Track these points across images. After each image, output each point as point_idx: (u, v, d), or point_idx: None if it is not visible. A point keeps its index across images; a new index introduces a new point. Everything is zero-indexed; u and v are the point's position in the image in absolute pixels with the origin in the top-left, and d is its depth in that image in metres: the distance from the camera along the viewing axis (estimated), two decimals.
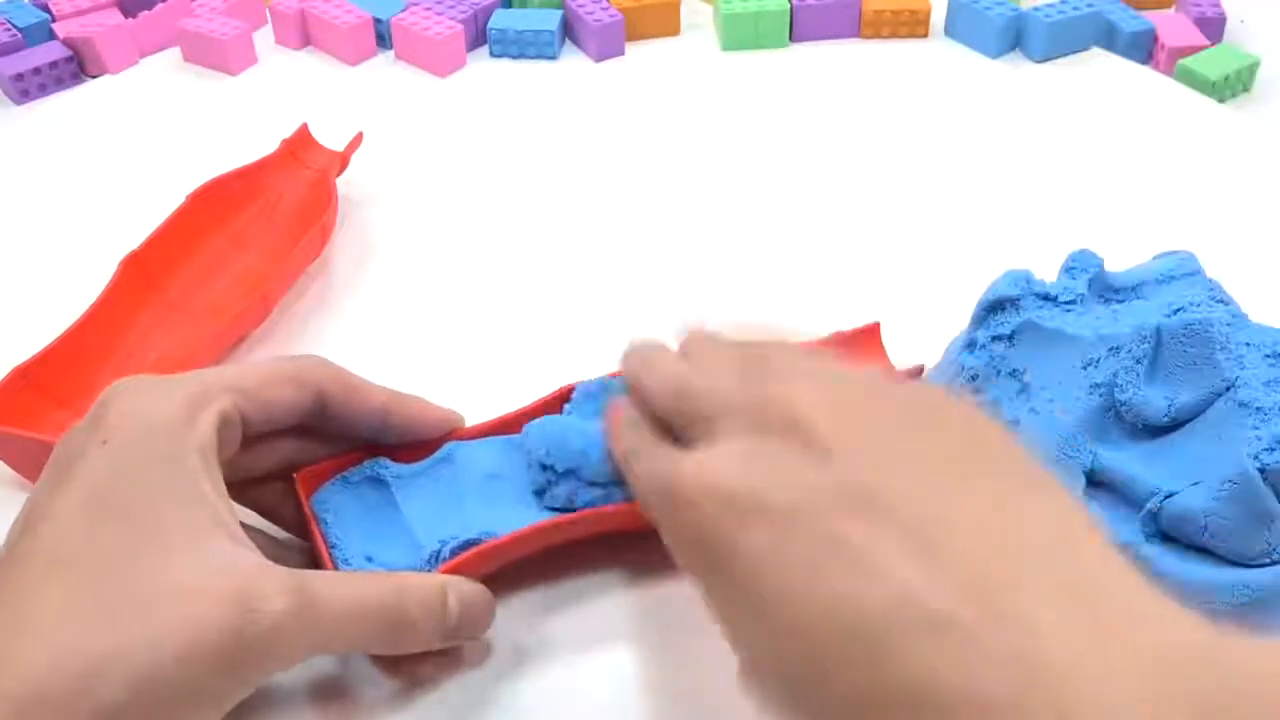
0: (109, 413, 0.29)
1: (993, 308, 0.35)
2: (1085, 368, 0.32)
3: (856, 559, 0.22)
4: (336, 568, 0.32)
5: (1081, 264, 0.35)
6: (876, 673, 0.21)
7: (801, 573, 0.23)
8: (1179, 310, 0.33)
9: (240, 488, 0.33)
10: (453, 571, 0.31)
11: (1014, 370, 0.34)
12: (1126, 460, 0.32)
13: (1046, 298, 0.34)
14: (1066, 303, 0.34)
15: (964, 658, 0.20)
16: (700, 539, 0.25)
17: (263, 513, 0.34)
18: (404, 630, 0.29)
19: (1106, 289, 0.35)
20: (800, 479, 0.24)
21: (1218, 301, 0.34)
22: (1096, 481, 0.32)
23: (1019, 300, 0.34)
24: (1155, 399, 0.31)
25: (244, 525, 0.30)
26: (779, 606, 0.23)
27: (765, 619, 0.23)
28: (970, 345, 0.35)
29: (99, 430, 0.28)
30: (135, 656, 0.25)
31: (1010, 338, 0.34)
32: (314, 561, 0.32)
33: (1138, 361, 0.32)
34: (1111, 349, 0.32)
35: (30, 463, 0.38)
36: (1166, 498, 0.30)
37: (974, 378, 0.34)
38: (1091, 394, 0.32)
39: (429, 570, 0.32)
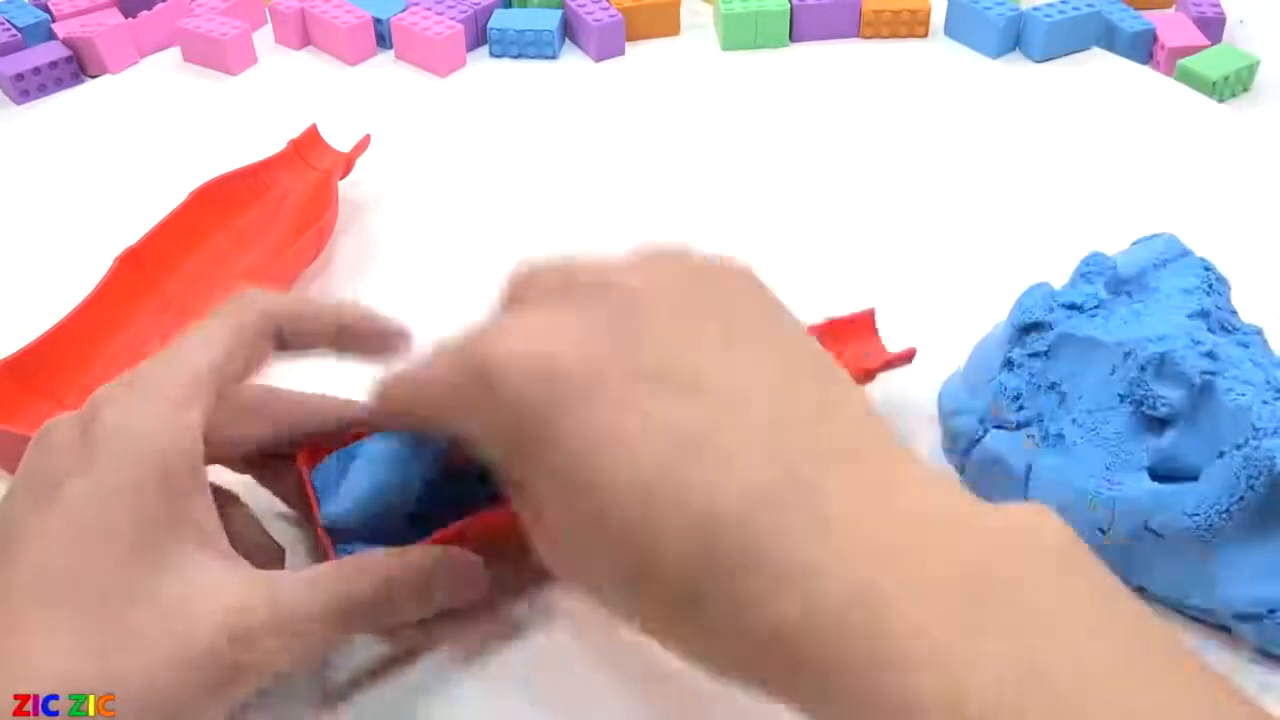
0: (94, 427, 0.27)
1: (1028, 328, 0.35)
2: (1111, 374, 0.33)
3: (691, 442, 0.23)
4: (333, 545, 0.32)
5: (1097, 267, 0.35)
6: (708, 551, 0.22)
7: (629, 452, 0.23)
8: (1200, 344, 0.33)
9: (246, 462, 0.33)
10: (454, 538, 0.31)
11: (1053, 384, 0.34)
12: (1176, 442, 0.32)
13: (1072, 307, 0.35)
14: (1092, 309, 0.34)
15: (786, 529, 0.22)
16: (518, 418, 0.24)
17: (268, 486, 0.34)
18: (389, 612, 0.29)
19: (1116, 281, 0.35)
20: (612, 351, 0.24)
21: (1212, 288, 0.35)
22: (1160, 475, 0.32)
23: (1052, 318, 0.35)
24: (1169, 394, 0.32)
25: (234, 506, 0.31)
26: (601, 487, 0.23)
27: (589, 501, 0.24)
28: (1008, 364, 0.35)
29: (83, 446, 0.27)
30: (129, 690, 0.25)
31: (1047, 353, 0.35)
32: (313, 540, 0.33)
33: (1142, 369, 0.32)
34: (1126, 354, 0.33)
35: (13, 457, 0.38)
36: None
37: (1017, 397, 0.34)
38: (1120, 400, 0.33)
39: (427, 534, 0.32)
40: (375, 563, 0.30)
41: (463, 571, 0.31)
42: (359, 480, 0.32)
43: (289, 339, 0.32)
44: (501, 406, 0.25)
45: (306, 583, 0.29)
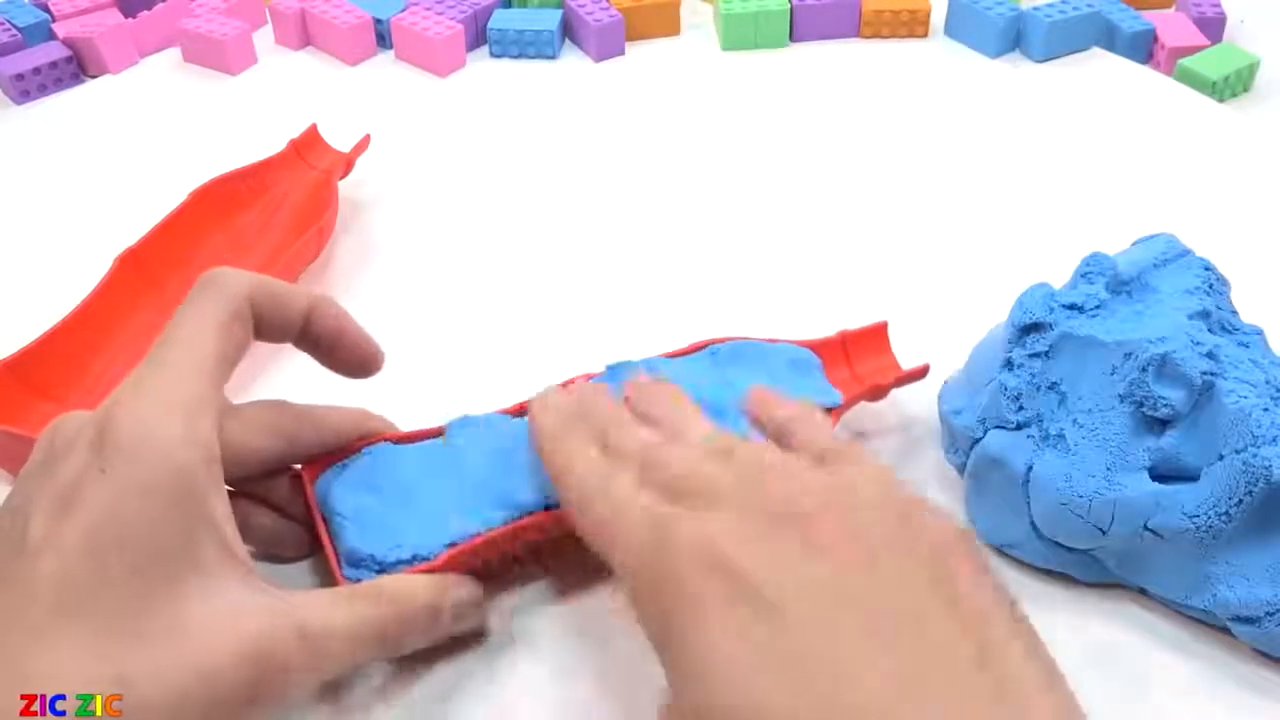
0: (110, 436, 0.27)
1: (1028, 328, 0.35)
2: (1111, 374, 0.33)
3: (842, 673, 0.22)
4: (340, 564, 0.32)
5: (1097, 268, 0.35)
6: None
7: (779, 672, 0.23)
8: (1201, 343, 0.33)
9: (248, 482, 0.33)
10: (463, 554, 0.32)
11: (1053, 383, 0.34)
12: (1176, 443, 0.32)
13: (1073, 307, 0.35)
14: (1093, 309, 0.34)
15: None
16: (676, 602, 0.24)
17: (271, 505, 0.34)
18: (399, 641, 0.30)
19: (1116, 281, 0.35)
20: (799, 576, 0.24)
21: (1212, 288, 0.35)
22: (1160, 475, 0.32)
23: (1052, 318, 0.35)
24: (1170, 394, 0.32)
25: (248, 503, 0.32)
26: (728, 687, 0.23)
27: (709, 692, 0.23)
28: (1008, 364, 0.35)
29: (100, 453, 0.27)
30: (138, 694, 0.24)
31: (1047, 353, 0.34)
32: (320, 550, 0.33)
33: (1143, 370, 0.32)
34: (1127, 354, 0.33)
35: (13, 457, 0.38)
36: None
37: (1017, 397, 0.34)
38: (1120, 400, 0.33)
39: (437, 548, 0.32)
40: (392, 592, 0.30)
41: (468, 600, 0.32)
42: (403, 536, 0.32)
43: (262, 325, 0.32)
44: (671, 583, 0.25)
45: (328, 610, 0.28)
